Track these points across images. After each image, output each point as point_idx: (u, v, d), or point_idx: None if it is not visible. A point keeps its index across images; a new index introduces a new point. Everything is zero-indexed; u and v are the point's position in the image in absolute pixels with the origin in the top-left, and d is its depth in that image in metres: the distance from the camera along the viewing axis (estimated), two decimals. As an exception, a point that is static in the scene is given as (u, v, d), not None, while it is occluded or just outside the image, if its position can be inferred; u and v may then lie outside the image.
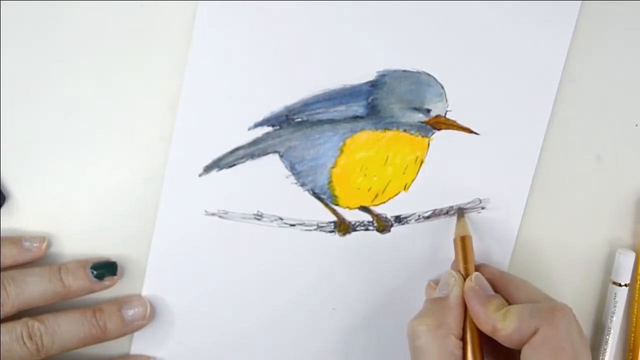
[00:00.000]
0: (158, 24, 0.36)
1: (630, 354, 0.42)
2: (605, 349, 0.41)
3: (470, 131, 0.39)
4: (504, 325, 0.33)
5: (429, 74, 0.38)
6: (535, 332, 0.32)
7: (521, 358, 0.32)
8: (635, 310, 0.42)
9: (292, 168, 0.38)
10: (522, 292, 0.35)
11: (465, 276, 0.36)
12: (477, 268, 0.37)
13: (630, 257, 0.41)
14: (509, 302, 0.35)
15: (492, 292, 0.35)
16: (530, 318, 0.32)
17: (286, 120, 0.37)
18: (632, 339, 0.42)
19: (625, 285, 0.41)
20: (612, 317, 0.41)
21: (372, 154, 0.38)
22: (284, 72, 0.37)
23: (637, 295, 0.42)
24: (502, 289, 0.36)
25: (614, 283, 0.41)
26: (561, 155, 0.41)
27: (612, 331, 0.41)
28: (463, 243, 0.37)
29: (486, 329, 0.34)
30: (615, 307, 0.41)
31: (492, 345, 0.34)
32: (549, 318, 0.32)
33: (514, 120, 0.39)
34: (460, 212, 0.39)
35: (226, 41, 0.36)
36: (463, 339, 0.34)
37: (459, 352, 0.33)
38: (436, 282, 0.38)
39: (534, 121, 0.40)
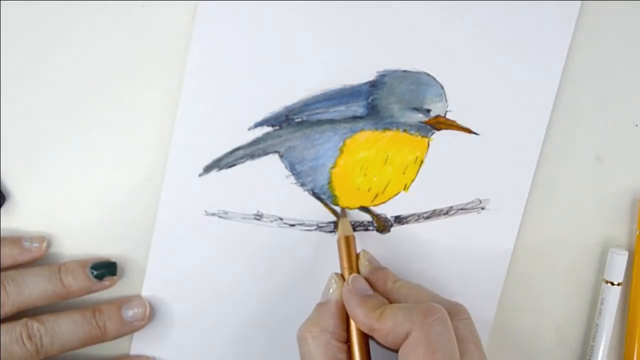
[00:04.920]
0: (158, 24, 0.36)
1: (626, 353, 0.42)
2: (598, 348, 0.42)
3: (470, 131, 0.39)
4: (379, 325, 0.32)
5: (429, 74, 0.38)
6: (407, 335, 0.31)
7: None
8: (631, 309, 0.42)
9: (292, 168, 0.38)
10: (411, 294, 0.35)
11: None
12: (375, 272, 0.36)
13: (623, 257, 0.41)
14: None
15: (371, 292, 0.35)
16: (403, 320, 0.31)
17: (286, 120, 0.37)
18: (628, 338, 0.42)
19: (618, 284, 0.41)
20: (604, 316, 0.41)
21: (372, 154, 0.38)
22: (284, 72, 0.37)
23: (632, 294, 0.42)
24: (393, 293, 0.35)
25: (607, 282, 0.41)
26: (561, 155, 0.41)
27: (605, 330, 0.41)
28: (347, 243, 0.37)
29: (365, 329, 0.33)
30: (607, 305, 0.41)
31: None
32: (420, 320, 0.31)
33: (514, 120, 0.39)
34: (343, 211, 0.39)
35: (226, 41, 0.36)
36: (349, 342, 0.34)
37: (344, 356, 0.33)
38: (339, 275, 0.37)
39: (534, 121, 0.40)
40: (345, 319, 0.35)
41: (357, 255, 0.37)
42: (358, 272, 0.36)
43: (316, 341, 0.33)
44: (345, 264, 0.36)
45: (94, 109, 0.36)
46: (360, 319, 0.33)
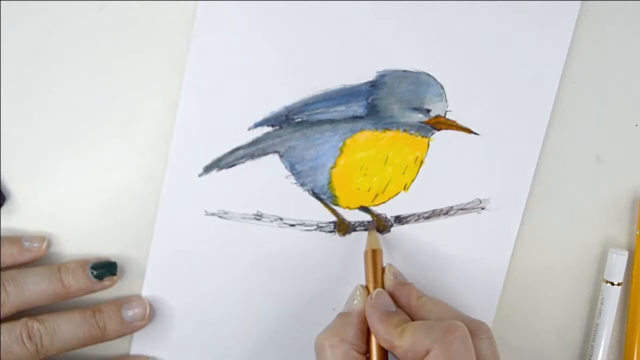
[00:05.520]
0: (158, 24, 0.36)
1: (626, 353, 0.42)
2: (598, 348, 0.42)
3: (470, 131, 0.39)
4: (400, 342, 0.32)
5: (429, 74, 0.38)
6: (428, 352, 0.31)
7: None
8: (631, 309, 0.42)
9: (292, 168, 0.38)
10: (434, 311, 0.35)
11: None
12: (399, 287, 0.36)
13: (623, 257, 0.41)
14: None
15: (393, 308, 0.35)
16: (424, 337, 0.31)
17: (286, 120, 0.37)
18: (628, 338, 0.42)
19: (618, 284, 0.41)
20: (604, 316, 0.41)
21: (372, 154, 0.38)
22: (284, 72, 0.37)
23: (632, 294, 0.42)
24: (417, 309, 0.35)
25: (607, 282, 0.41)
26: (561, 155, 0.41)
27: (605, 330, 0.41)
28: (373, 257, 0.37)
29: (385, 345, 0.33)
30: (607, 305, 0.41)
31: None
32: (441, 338, 0.31)
33: (514, 120, 0.39)
34: (371, 224, 0.39)
35: (226, 41, 0.36)
36: (368, 355, 0.34)
37: None
38: (364, 287, 0.37)
39: (534, 121, 0.40)
40: (366, 332, 0.34)
41: (383, 269, 0.37)
42: (383, 286, 0.36)
43: (334, 350, 0.33)
44: (371, 278, 0.36)
45: (93, 109, 0.36)
46: (382, 335, 0.33)
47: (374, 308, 0.34)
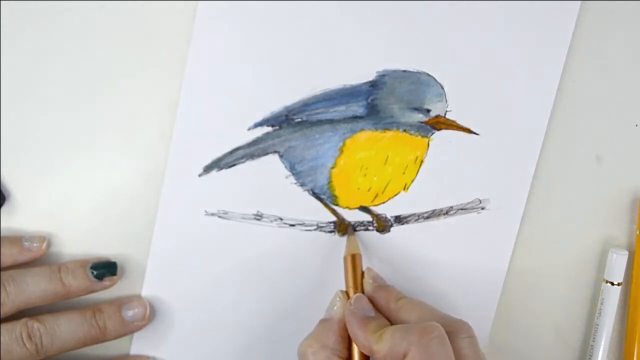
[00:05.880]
0: (158, 24, 0.36)
1: (626, 353, 0.42)
2: (598, 348, 0.42)
3: (470, 131, 0.39)
4: (378, 347, 0.32)
5: (429, 74, 0.38)
6: (405, 355, 0.31)
7: None
8: (631, 309, 0.42)
9: (292, 168, 0.38)
10: (414, 312, 0.34)
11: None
12: (378, 291, 0.36)
13: (623, 257, 0.41)
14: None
15: (372, 313, 0.35)
16: (401, 340, 0.31)
17: (286, 120, 0.37)
18: (628, 338, 0.42)
19: (618, 284, 0.41)
20: (604, 316, 0.41)
21: (372, 154, 0.38)
22: (284, 72, 0.37)
23: (632, 294, 0.42)
24: (396, 312, 0.35)
25: (607, 282, 0.41)
26: (561, 155, 0.41)
27: (605, 330, 0.41)
28: (353, 261, 0.37)
29: (365, 350, 0.33)
30: (607, 305, 0.41)
31: None
32: (417, 340, 0.31)
33: (514, 120, 0.39)
34: (351, 229, 0.39)
35: (226, 41, 0.36)
36: None
37: None
38: (344, 292, 0.37)
39: (534, 121, 0.40)
40: (347, 337, 0.35)
41: (362, 273, 0.37)
42: (362, 290, 0.36)
43: (316, 357, 0.33)
44: (350, 283, 0.36)
45: (93, 109, 0.36)
46: (361, 341, 0.33)
47: (352, 314, 0.34)
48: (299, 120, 0.37)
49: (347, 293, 0.36)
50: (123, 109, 0.37)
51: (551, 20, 0.38)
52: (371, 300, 0.36)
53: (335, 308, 0.36)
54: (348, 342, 0.34)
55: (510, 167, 0.40)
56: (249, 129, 0.37)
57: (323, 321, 0.36)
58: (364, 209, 0.39)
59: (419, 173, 0.39)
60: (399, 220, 0.40)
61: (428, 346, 0.31)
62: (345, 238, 0.39)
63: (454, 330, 0.33)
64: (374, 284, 0.36)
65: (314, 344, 0.34)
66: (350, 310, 0.35)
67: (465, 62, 0.38)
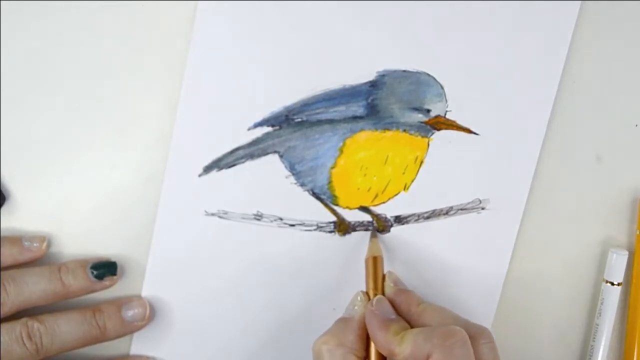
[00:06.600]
0: (158, 24, 0.36)
1: (626, 353, 0.42)
2: (598, 348, 0.42)
3: (470, 131, 0.39)
4: (399, 349, 0.32)
5: (428, 74, 0.38)
6: (428, 357, 0.31)
7: None
8: (631, 309, 0.42)
9: (291, 168, 0.38)
10: (435, 317, 0.34)
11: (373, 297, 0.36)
12: (399, 295, 0.36)
13: (623, 257, 0.41)
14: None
15: (393, 316, 0.35)
16: (424, 343, 0.31)
17: (286, 120, 0.37)
18: (628, 338, 0.42)
19: (618, 284, 0.41)
20: (604, 316, 0.41)
21: (371, 154, 0.38)
22: (284, 72, 0.37)
23: (632, 294, 0.42)
24: (417, 316, 0.35)
25: (607, 282, 0.41)
26: (561, 155, 0.41)
27: (605, 330, 0.41)
28: (374, 264, 0.37)
29: (385, 352, 0.33)
30: (607, 305, 0.41)
31: None
32: (441, 343, 0.31)
33: (514, 120, 0.39)
34: (374, 232, 0.39)
35: (226, 41, 0.36)
36: None
37: None
38: (365, 293, 0.37)
39: (534, 121, 0.40)
40: (366, 338, 0.34)
41: (383, 276, 0.37)
42: (383, 293, 0.36)
43: (332, 354, 0.33)
44: (371, 284, 0.36)
45: (94, 109, 0.36)
46: (381, 342, 0.33)
47: (373, 315, 0.34)
48: (299, 120, 0.37)
49: (367, 294, 0.36)
50: (123, 109, 0.37)
51: (551, 20, 0.38)
52: (391, 303, 0.36)
53: (355, 307, 0.36)
54: (366, 343, 0.34)
55: (510, 167, 0.40)
56: (249, 129, 0.37)
57: (342, 320, 0.36)
58: (364, 209, 0.39)
59: (419, 173, 0.39)
60: (399, 220, 0.40)
61: (451, 349, 0.31)
62: (345, 241, 0.39)
63: (475, 336, 0.33)
64: (395, 287, 0.37)
65: (330, 341, 0.34)
66: (371, 311, 0.34)
67: (465, 62, 0.38)
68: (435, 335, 0.31)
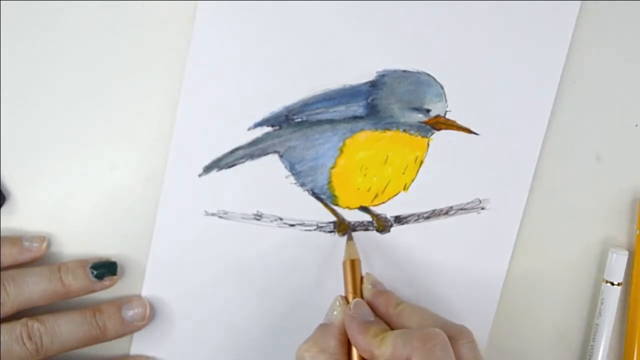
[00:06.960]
0: (158, 24, 0.36)
1: (626, 353, 0.42)
2: (598, 348, 0.42)
3: (470, 131, 0.39)
4: (379, 352, 0.32)
5: (428, 74, 0.38)
6: None
7: None
8: (631, 309, 0.42)
9: (291, 168, 0.38)
10: (414, 317, 0.34)
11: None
12: (378, 296, 0.36)
13: (623, 257, 0.41)
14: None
15: (372, 318, 0.35)
16: (403, 346, 0.31)
17: (286, 120, 0.37)
18: (628, 338, 0.42)
19: (618, 284, 0.41)
20: (604, 316, 0.41)
21: (371, 154, 0.38)
22: (284, 72, 0.37)
23: (632, 294, 0.42)
24: (396, 317, 0.35)
25: (607, 282, 0.41)
26: (561, 155, 0.41)
27: (605, 330, 0.41)
28: (352, 267, 0.37)
29: (366, 355, 0.33)
30: (607, 305, 0.41)
31: None
32: (420, 346, 0.31)
33: (514, 120, 0.39)
34: (349, 234, 0.39)
35: (226, 41, 0.36)
36: None
37: None
38: (344, 298, 0.37)
39: (534, 121, 0.40)
40: (347, 342, 0.34)
41: (362, 279, 0.37)
42: (362, 296, 0.36)
43: None
44: (350, 288, 0.36)
45: (93, 109, 0.36)
46: (362, 345, 0.33)
47: (352, 319, 0.34)
48: (299, 120, 0.37)
49: (346, 298, 0.36)
50: (123, 109, 0.37)
51: (551, 20, 0.38)
52: (370, 305, 0.36)
53: (335, 313, 0.36)
54: (347, 348, 0.34)
55: (510, 167, 0.40)
56: (249, 129, 0.37)
57: (322, 326, 0.36)
58: (364, 209, 0.39)
59: (419, 173, 0.39)
60: (399, 220, 0.40)
61: (431, 352, 0.31)
62: (344, 241, 0.39)
63: (455, 336, 0.32)
64: (373, 289, 0.36)
65: (312, 348, 0.34)
66: (349, 315, 0.35)
67: (465, 62, 0.38)
68: (415, 338, 0.31)
